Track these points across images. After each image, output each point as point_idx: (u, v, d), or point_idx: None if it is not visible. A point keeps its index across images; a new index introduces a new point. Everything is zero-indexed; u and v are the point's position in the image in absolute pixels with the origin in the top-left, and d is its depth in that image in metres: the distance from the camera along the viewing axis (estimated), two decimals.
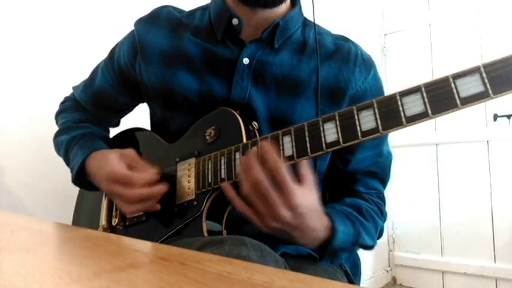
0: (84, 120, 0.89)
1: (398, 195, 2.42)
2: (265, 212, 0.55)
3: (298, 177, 0.56)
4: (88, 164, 0.75)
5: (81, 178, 0.78)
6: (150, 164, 0.71)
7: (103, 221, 0.81)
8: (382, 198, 0.78)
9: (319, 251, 0.66)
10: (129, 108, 0.95)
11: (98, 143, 0.80)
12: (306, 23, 0.79)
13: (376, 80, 0.78)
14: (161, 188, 0.68)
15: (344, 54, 0.76)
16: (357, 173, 0.76)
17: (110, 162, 0.69)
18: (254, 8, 0.72)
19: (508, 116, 2.12)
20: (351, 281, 0.76)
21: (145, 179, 0.67)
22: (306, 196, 0.56)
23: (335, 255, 0.68)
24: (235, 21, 0.73)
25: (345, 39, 0.80)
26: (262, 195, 0.55)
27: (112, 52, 0.88)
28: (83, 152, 0.77)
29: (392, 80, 2.52)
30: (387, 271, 2.56)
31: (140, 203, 0.68)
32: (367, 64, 0.77)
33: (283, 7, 0.75)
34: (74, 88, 0.94)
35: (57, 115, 0.94)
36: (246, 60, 0.73)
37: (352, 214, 0.69)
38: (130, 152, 0.73)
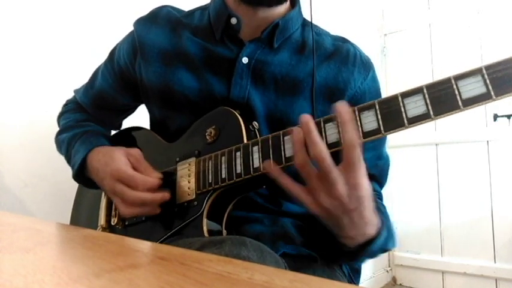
0: (86, 119, 0.90)
1: (399, 195, 2.42)
2: (321, 187, 0.52)
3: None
4: (90, 160, 0.75)
5: (82, 174, 0.78)
6: (154, 168, 0.71)
7: (102, 220, 0.81)
8: (381, 199, 0.78)
9: (352, 253, 0.60)
10: (130, 109, 0.95)
11: (100, 140, 0.80)
12: (305, 23, 0.79)
13: (375, 81, 0.78)
14: (164, 195, 0.67)
15: (343, 55, 0.76)
16: None
17: (117, 160, 0.69)
18: (256, 7, 0.71)
19: (508, 116, 2.12)
20: (350, 281, 0.76)
21: (149, 183, 0.67)
22: (366, 180, 0.52)
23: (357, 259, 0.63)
24: (233, 20, 0.73)
25: (344, 40, 0.80)
26: (323, 170, 0.51)
27: (112, 53, 0.88)
28: (84, 147, 0.77)
29: (392, 80, 2.53)
30: (387, 271, 2.56)
31: (140, 206, 0.67)
32: (366, 65, 0.77)
33: (283, 7, 0.75)
34: (76, 91, 0.95)
35: (59, 117, 0.94)
36: (245, 60, 0.73)
37: (384, 216, 0.64)
38: (136, 152, 0.72)
